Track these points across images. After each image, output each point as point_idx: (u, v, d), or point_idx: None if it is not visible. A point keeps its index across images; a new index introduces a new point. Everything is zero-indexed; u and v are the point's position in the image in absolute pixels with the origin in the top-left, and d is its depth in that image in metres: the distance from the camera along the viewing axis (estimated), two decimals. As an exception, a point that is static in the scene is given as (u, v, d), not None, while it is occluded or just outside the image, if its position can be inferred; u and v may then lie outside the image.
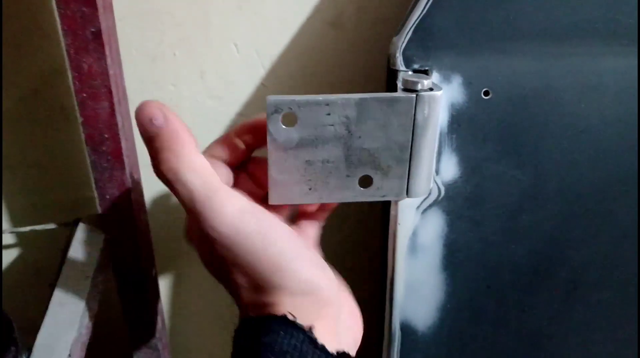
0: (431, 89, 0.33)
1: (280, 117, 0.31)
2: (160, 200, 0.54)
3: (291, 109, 0.31)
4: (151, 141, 0.27)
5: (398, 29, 0.38)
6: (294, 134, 0.31)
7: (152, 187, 0.53)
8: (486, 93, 0.38)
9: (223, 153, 0.32)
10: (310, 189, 0.33)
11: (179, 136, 0.27)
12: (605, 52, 0.38)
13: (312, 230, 0.35)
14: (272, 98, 0.30)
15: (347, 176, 0.33)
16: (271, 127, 0.31)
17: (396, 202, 0.39)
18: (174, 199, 0.54)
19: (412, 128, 0.33)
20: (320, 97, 0.31)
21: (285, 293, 0.27)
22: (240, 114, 0.51)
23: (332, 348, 0.27)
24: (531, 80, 0.38)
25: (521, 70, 0.38)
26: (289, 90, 0.50)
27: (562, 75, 0.38)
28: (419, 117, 0.33)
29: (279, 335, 0.25)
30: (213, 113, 0.51)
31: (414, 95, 0.32)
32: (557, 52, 0.38)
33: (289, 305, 0.27)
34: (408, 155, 0.33)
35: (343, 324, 0.30)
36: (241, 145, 0.32)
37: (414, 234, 0.39)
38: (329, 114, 0.31)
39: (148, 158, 0.50)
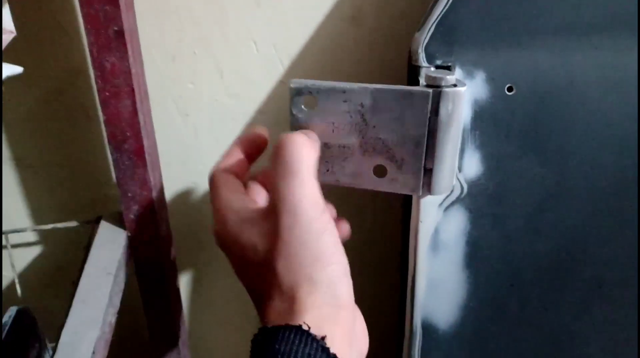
0: (455, 85, 0.33)
1: (302, 99, 0.33)
2: (181, 198, 0.55)
3: (311, 93, 0.33)
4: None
5: (420, 24, 0.38)
6: (313, 116, 0.33)
7: (173, 185, 0.54)
8: (510, 89, 0.37)
9: (234, 166, 0.34)
10: (327, 170, 0.35)
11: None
12: (631, 46, 0.38)
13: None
14: (295, 82, 0.33)
15: (362, 163, 0.34)
16: (293, 109, 0.33)
17: (418, 199, 0.38)
18: (195, 197, 0.55)
19: (426, 124, 0.33)
20: (339, 84, 0.33)
21: (312, 290, 0.27)
22: (260, 112, 0.51)
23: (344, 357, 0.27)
24: (555, 75, 0.38)
25: (545, 65, 0.37)
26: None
27: (586, 70, 0.38)
28: (442, 113, 0.33)
29: (294, 344, 0.25)
30: (231, 111, 0.51)
31: (430, 90, 0.32)
32: (581, 46, 0.38)
33: (310, 306, 0.27)
34: (423, 150, 0.33)
35: (355, 334, 0.30)
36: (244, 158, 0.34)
37: (436, 231, 0.39)
38: (345, 101, 0.33)
39: (169, 156, 0.50)
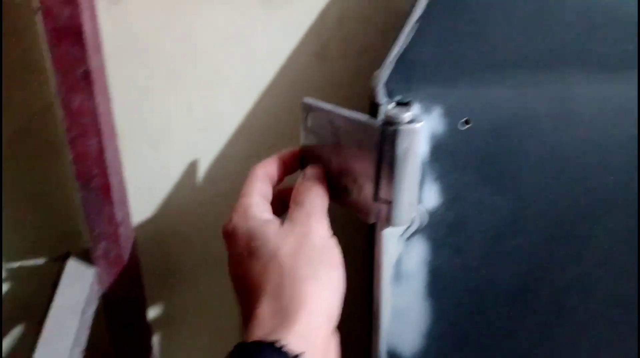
0: (411, 122, 0.34)
1: (309, 116, 0.39)
2: (152, 231, 0.55)
3: (312, 111, 0.39)
4: None
5: (382, 62, 0.39)
6: (316, 131, 0.39)
7: (143, 218, 0.54)
8: (466, 123, 0.39)
9: (272, 171, 0.39)
10: None
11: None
12: (581, 79, 0.40)
13: None
14: (306, 99, 0.40)
15: (336, 179, 0.38)
16: (302, 123, 0.40)
17: (380, 230, 0.39)
18: (166, 230, 0.55)
19: (377, 157, 0.35)
20: (328, 106, 0.38)
21: (306, 309, 0.29)
22: (229, 145, 0.52)
23: None
24: (509, 108, 0.39)
25: (499, 99, 0.39)
26: (276, 120, 0.51)
27: (539, 103, 0.40)
28: (399, 149, 0.34)
29: None
30: (201, 144, 0.52)
31: (379, 124, 0.34)
32: (534, 80, 0.40)
33: (303, 329, 0.29)
34: (375, 182, 0.36)
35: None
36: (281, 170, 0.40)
37: (399, 262, 0.40)
38: (329, 122, 0.38)
39: (140, 189, 0.51)
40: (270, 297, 0.30)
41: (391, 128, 0.34)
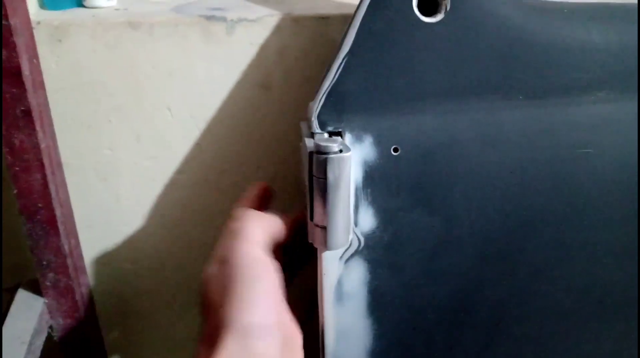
0: (340, 151, 0.36)
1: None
2: (103, 261, 0.55)
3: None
4: None
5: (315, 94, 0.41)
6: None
7: (95, 249, 0.54)
8: (395, 150, 0.41)
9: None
10: None
11: None
12: (503, 105, 0.42)
13: None
14: (301, 124, 0.43)
15: (304, 196, 0.40)
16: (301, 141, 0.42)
17: (320, 253, 0.41)
18: (118, 259, 0.56)
19: (308, 183, 0.38)
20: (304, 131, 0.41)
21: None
22: (178, 172, 0.53)
23: None
24: (437, 135, 0.42)
25: (427, 126, 0.41)
26: (224, 148, 0.53)
27: (464, 129, 0.42)
28: (330, 177, 0.36)
29: None
30: (151, 173, 0.53)
31: (309, 150, 0.37)
32: (459, 108, 0.42)
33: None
34: (309, 208, 0.38)
35: None
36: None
37: (339, 283, 0.42)
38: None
39: (90, 220, 0.51)
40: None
41: (321, 157, 0.36)
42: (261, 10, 0.50)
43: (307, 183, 0.38)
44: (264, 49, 0.49)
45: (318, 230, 0.38)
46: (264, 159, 0.53)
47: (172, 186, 0.53)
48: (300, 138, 0.42)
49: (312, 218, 0.38)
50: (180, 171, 0.53)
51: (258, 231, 0.38)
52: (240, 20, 0.48)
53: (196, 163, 0.53)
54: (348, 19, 0.41)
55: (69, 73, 0.47)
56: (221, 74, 0.50)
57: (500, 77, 0.42)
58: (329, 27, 0.50)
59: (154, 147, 0.52)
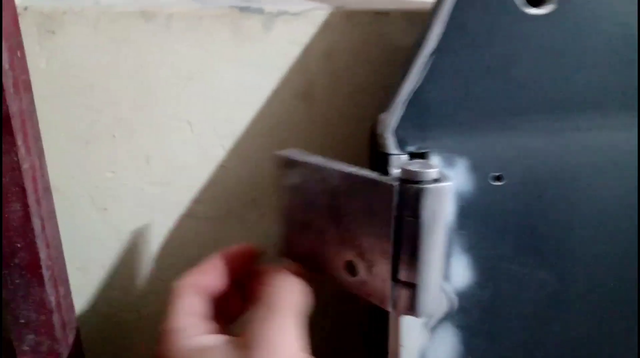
0: (437, 180, 0.26)
1: (287, 172, 0.32)
2: (102, 317, 0.44)
3: (293, 166, 0.32)
4: None
5: (388, 103, 0.32)
6: (298, 191, 0.32)
7: (87, 302, 0.44)
8: (498, 178, 0.31)
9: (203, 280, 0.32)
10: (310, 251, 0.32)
11: None
12: (627, 123, 0.33)
13: None
14: (279, 152, 0.33)
15: (336, 254, 0.31)
16: (280, 180, 0.33)
17: (397, 318, 0.31)
18: (116, 311, 0.45)
19: (391, 223, 0.27)
20: (316, 160, 0.31)
21: None
22: (196, 201, 0.43)
23: None
24: (546, 160, 0.32)
25: (535, 149, 0.32)
26: (254, 172, 0.43)
27: (579, 152, 0.32)
28: (424, 215, 0.26)
29: None
30: (160, 202, 0.43)
31: (396, 183, 0.27)
32: (572, 126, 0.32)
33: None
34: (390, 255, 0.28)
35: None
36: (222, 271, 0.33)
37: (422, 357, 0.31)
38: (321, 180, 0.30)
39: (85, 261, 0.41)
40: None
41: (413, 188, 0.26)
42: (306, 3, 0.41)
43: (360, 232, 0.29)
44: (307, 50, 0.41)
45: (404, 290, 0.28)
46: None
47: (188, 219, 0.43)
48: (285, 176, 0.33)
49: (395, 273, 0.28)
50: (198, 201, 0.43)
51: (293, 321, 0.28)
52: (280, 13, 0.39)
53: (219, 190, 0.43)
54: (412, 17, 0.32)
55: (63, 74, 0.37)
56: (254, 81, 0.41)
57: (619, 86, 0.33)
58: (389, 25, 0.41)
59: (166, 170, 0.42)
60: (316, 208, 0.31)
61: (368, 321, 0.42)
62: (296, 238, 0.33)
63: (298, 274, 0.30)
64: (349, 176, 0.29)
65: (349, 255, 0.30)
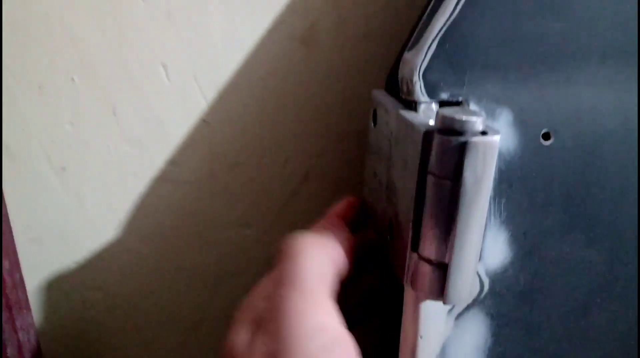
0: (484, 133, 0.21)
1: (374, 114, 0.29)
2: (56, 290, 0.38)
3: (375, 107, 0.29)
4: None
5: (411, 40, 0.26)
6: (378, 136, 0.29)
7: (41, 274, 0.38)
8: (546, 136, 0.25)
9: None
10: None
11: None
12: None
13: None
14: (374, 92, 0.30)
15: (384, 210, 0.28)
16: (370, 123, 0.30)
17: (418, 304, 0.25)
18: (76, 288, 0.39)
19: (416, 176, 0.23)
20: (386, 100, 0.28)
21: None
22: (171, 163, 0.37)
23: None
24: (605, 119, 0.26)
25: (592, 104, 0.26)
26: (240, 129, 0.37)
27: (613, 110, 0.27)
28: (467, 176, 0.21)
29: None
30: (131, 162, 0.37)
31: (433, 128, 0.22)
32: (623, 76, 0.27)
33: None
34: (410, 219, 0.23)
35: None
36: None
37: (444, 350, 0.26)
38: (386, 124, 0.27)
39: (39, 231, 0.36)
40: None
41: (455, 141, 0.20)
42: None
43: (398, 188, 0.25)
44: (308, -12, 0.36)
45: (429, 268, 0.22)
46: (296, 149, 0.38)
47: (161, 182, 0.38)
48: (371, 115, 0.30)
49: (416, 248, 0.23)
50: (174, 162, 0.38)
51: (325, 278, 0.24)
52: (277, -63, 0.33)
53: (199, 149, 0.38)
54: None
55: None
56: (243, 22, 0.35)
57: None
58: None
59: (137, 124, 0.37)
60: (380, 156, 0.28)
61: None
62: (369, 186, 0.31)
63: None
64: (397, 117, 0.25)
65: (390, 213, 0.26)
